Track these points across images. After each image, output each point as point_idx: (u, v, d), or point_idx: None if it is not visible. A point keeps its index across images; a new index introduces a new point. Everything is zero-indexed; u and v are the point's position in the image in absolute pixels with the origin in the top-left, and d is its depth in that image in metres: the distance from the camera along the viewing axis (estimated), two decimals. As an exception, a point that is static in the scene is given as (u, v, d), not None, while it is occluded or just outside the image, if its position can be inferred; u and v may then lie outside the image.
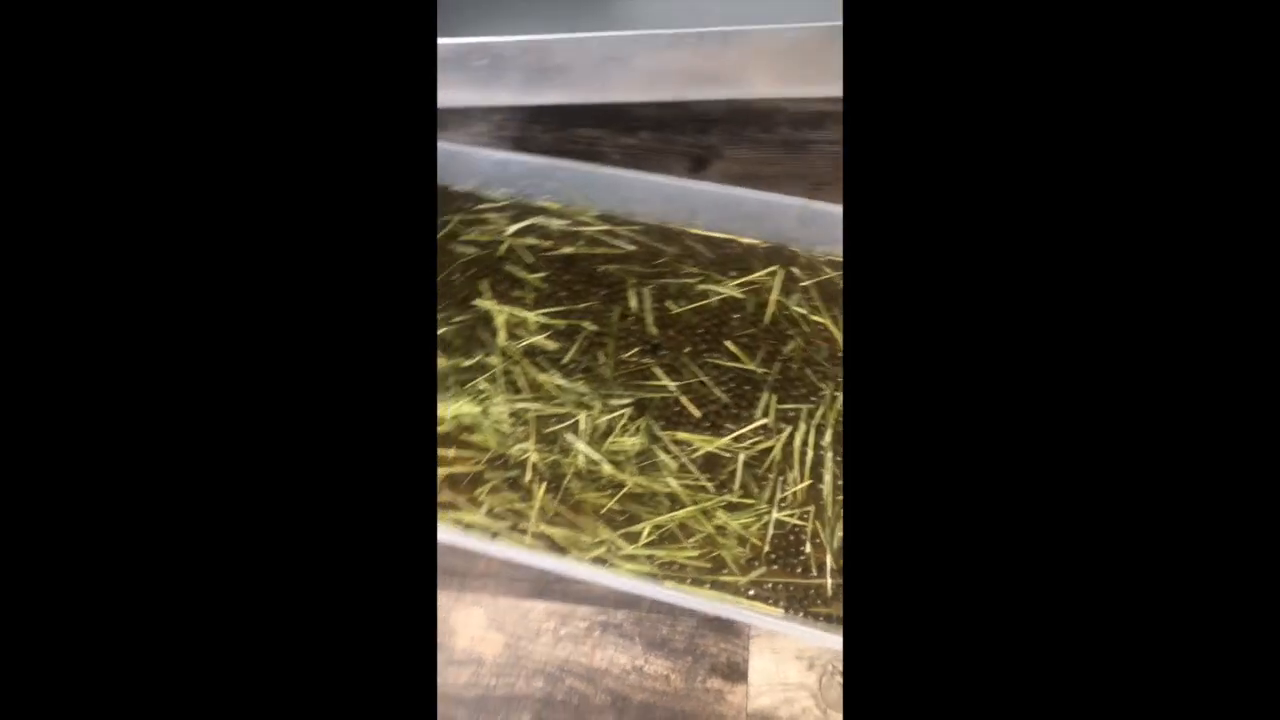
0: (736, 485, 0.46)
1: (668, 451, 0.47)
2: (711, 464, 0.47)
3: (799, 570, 0.44)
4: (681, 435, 0.47)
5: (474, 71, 0.39)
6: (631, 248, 0.53)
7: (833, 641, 0.40)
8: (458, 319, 0.51)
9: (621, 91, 0.39)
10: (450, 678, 0.49)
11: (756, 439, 0.47)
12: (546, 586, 0.50)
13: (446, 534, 0.43)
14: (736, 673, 0.46)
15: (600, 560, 0.44)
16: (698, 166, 0.62)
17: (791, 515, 0.45)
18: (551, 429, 0.48)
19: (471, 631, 0.50)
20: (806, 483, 0.46)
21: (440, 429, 0.48)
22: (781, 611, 0.43)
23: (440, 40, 0.37)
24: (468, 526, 0.46)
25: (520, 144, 0.61)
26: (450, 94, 0.41)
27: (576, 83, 0.38)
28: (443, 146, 0.54)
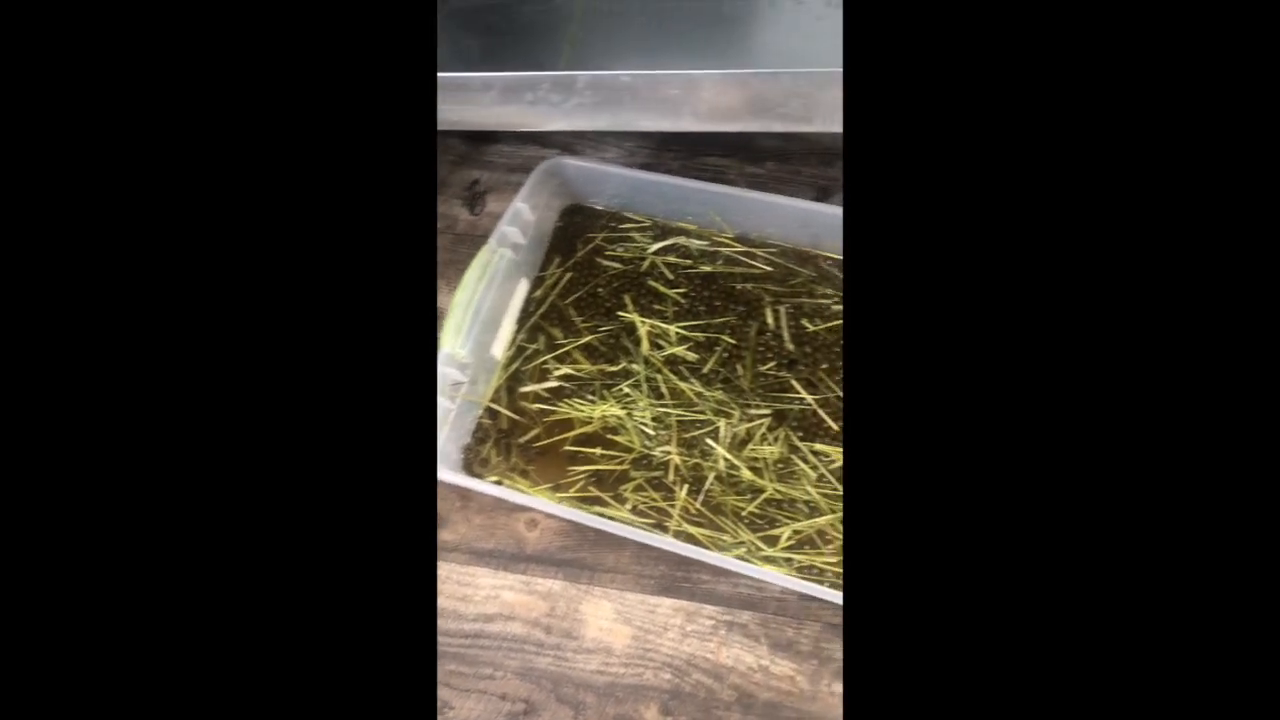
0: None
1: (806, 461, 0.49)
2: (845, 476, 0.49)
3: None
4: (819, 446, 0.50)
5: (597, 98, 0.42)
6: (768, 268, 0.56)
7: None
8: (604, 328, 0.55)
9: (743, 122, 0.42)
10: (580, 664, 0.52)
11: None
12: (673, 584, 0.53)
13: (592, 518, 0.46)
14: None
15: (742, 560, 0.46)
16: (822, 196, 0.64)
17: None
18: (692, 434, 0.51)
19: (600, 623, 0.53)
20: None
21: (588, 429, 0.52)
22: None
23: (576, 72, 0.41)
24: (611, 521, 0.49)
25: (653, 170, 0.65)
26: (583, 119, 0.45)
27: (704, 113, 0.42)
28: (583, 164, 0.58)
